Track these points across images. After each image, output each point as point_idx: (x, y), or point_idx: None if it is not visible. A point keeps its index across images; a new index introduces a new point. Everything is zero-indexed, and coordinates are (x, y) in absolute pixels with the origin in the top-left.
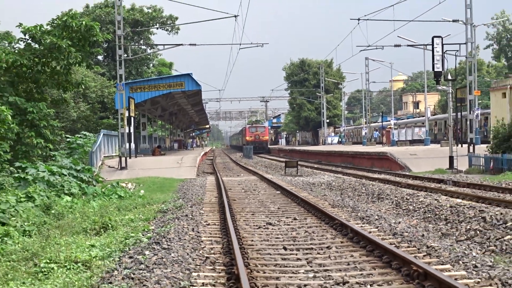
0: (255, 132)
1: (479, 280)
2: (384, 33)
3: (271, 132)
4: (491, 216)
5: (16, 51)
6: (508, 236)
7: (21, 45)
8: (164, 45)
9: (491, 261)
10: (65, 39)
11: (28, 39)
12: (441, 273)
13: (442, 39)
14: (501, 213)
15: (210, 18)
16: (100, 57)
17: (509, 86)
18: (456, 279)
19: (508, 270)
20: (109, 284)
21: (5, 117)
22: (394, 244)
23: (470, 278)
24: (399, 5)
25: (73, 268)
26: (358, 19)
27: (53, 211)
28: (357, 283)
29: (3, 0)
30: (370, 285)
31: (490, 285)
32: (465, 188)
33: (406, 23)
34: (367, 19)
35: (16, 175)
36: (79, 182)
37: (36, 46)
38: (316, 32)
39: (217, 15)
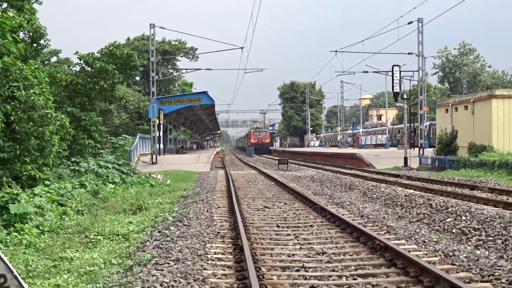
0: (258, 136)
1: (427, 252)
2: (356, 62)
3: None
4: (436, 203)
5: (73, 73)
6: (449, 219)
7: (77, 68)
8: (186, 69)
9: (436, 238)
10: (110, 64)
11: (82, 64)
12: (397, 246)
13: (399, 67)
14: (444, 201)
15: (222, 49)
16: (137, 78)
17: (450, 103)
18: (409, 251)
19: (449, 245)
20: (143, 252)
21: (64, 123)
22: (362, 224)
23: (420, 251)
24: (368, 40)
25: (115, 239)
26: (336, 51)
27: (100, 196)
28: (333, 253)
29: (63, 30)
30: (343, 255)
31: (435, 256)
32: (416, 182)
33: (372, 54)
34: (343, 51)
35: (72, 167)
36: (120, 174)
37: (89, 69)
38: (303, 59)
39: (228, 46)
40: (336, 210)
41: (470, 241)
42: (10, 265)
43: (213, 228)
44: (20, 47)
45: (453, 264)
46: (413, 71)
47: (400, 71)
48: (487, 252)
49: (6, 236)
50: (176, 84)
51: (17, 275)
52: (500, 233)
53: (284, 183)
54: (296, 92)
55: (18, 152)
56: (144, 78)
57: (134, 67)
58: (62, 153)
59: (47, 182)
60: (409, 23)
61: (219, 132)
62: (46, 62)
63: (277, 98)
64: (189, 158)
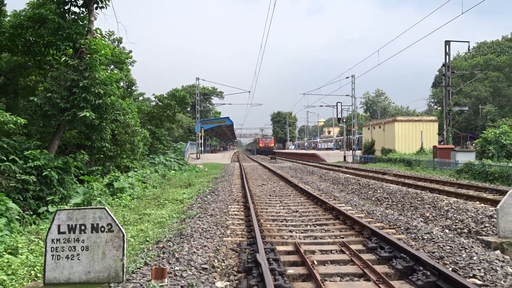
0: (265, 141)
1: (357, 211)
2: (317, 99)
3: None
4: (362, 182)
5: (151, 106)
6: (370, 192)
7: (153, 103)
8: (216, 104)
9: (362, 203)
10: (173, 101)
11: (156, 100)
12: (340, 207)
13: (341, 103)
14: (367, 181)
15: (238, 92)
16: (188, 109)
17: (370, 124)
18: (347, 210)
19: (370, 207)
20: (191, 210)
21: (145, 135)
22: (319, 194)
23: (353, 210)
24: (323, 87)
25: (175, 203)
26: (304, 94)
27: (166, 177)
28: (302, 211)
29: (146, 80)
30: (308, 212)
31: (362, 213)
32: (350, 170)
33: (325, 96)
34: (308, 94)
35: (150, 161)
36: (178, 164)
37: (160, 103)
38: (286, 96)
39: (240, 90)
40: (304, 186)
41: (382, 205)
42: (114, 217)
43: (232, 196)
44: (120, 91)
45: (373, 218)
46: (349, 105)
47: (341, 105)
48: (392, 211)
49: (112, 200)
50: (211, 112)
51: (118, 223)
52: (400, 200)
53: (274, 170)
54: (280, 117)
55: (118, 152)
56: (192, 109)
57: (187, 103)
58: (144, 152)
59: (135, 169)
60: (346, 77)
61: (235, 140)
62: (136, 99)
63: (269, 120)
64: (218, 155)
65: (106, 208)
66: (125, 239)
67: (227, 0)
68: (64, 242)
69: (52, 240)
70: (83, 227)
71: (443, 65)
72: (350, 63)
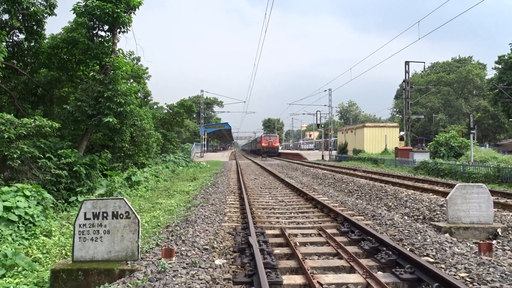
0: (269, 140)
1: (332, 201)
2: (300, 108)
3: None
4: (337, 177)
5: (164, 113)
6: (343, 185)
7: (165, 110)
8: (217, 111)
9: (337, 194)
10: (181, 109)
11: (168, 108)
12: (318, 198)
13: (320, 112)
14: (340, 176)
15: (236, 102)
16: (194, 115)
17: (344, 129)
18: (324, 200)
19: (343, 197)
20: (195, 200)
21: (158, 137)
22: (301, 187)
23: (329, 200)
24: (306, 99)
25: (182, 193)
26: (289, 104)
27: (175, 172)
28: (287, 201)
29: (160, 91)
30: (292, 202)
31: (336, 203)
32: (327, 167)
33: (308, 105)
34: (293, 103)
35: (162, 159)
36: (185, 161)
37: (171, 111)
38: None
39: (237, 100)
40: (289, 180)
41: (353, 196)
42: (131, 206)
43: (229, 188)
44: (138, 101)
45: (345, 207)
46: (327, 113)
47: (320, 114)
48: (361, 201)
49: (130, 191)
50: (213, 118)
51: (134, 211)
52: (368, 192)
53: (264, 166)
54: (270, 123)
55: (136, 151)
56: (197, 115)
57: (193, 111)
58: (157, 151)
59: (150, 166)
60: (325, 90)
61: (233, 141)
62: (151, 108)
63: (261, 125)
64: (219, 154)
65: (125, 198)
66: (140, 224)
67: (227, 24)
68: (89, 227)
69: (79, 225)
70: (105, 214)
71: (404, 81)
72: (328, 78)
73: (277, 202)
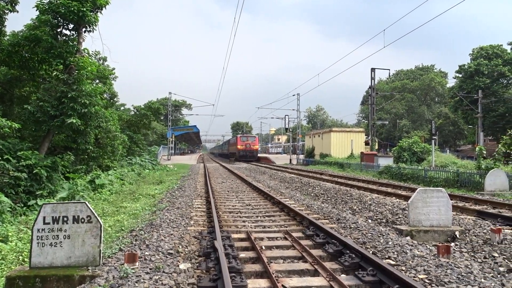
0: (246, 141)
1: (299, 205)
2: (269, 112)
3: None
4: (303, 180)
5: (130, 115)
6: (310, 188)
7: (132, 112)
8: (185, 114)
9: (303, 198)
10: (148, 111)
11: (135, 110)
12: (285, 202)
13: (288, 116)
14: (307, 180)
15: (204, 105)
16: (162, 118)
17: (312, 134)
18: (290, 204)
19: (309, 201)
20: (161, 204)
21: (124, 139)
22: (269, 190)
23: (295, 204)
24: (274, 103)
25: (148, 197)
26: (258, 107)
27: (141, 175)
28: (254, 205)
29: (126, 92)
30: (259, 206)
31: (303, 206)
32: (295, 170)
33: (276, 109)
34: (262, 107)
35: (128, 161)
36: (152, 164)
37: (138, 113)
38: (244, 108)
39: (206, 103)
40: (256, 183)
41: (319, 199)
42: (93, 210)
43: (196, 192)
44: (104, 102)
45: (311, 210)
46: (295, 117)
47: (288, 118)
48: (327, 205)
49: (93, 195)
50: (181, 121)
51: (96, 215)
52: (333, 196)
53: (232, 170)
54: (239, 126)
55: (101, 153)
56: (165, 118)
57: (161, 113)
58: (123, 154)
59: (115, 168)
60: (293, 95)
61: (201, 144)
62: (118, 109)
63: (230, 129)
64: (187, 157)
65: (86, 202)
66: (102, 228)
67: (195, 26)
68: (48, 232)
69: (38, 230)
70: (65, 219)
71: (369, 87)
72: (296, 83)
73: (244, 206)
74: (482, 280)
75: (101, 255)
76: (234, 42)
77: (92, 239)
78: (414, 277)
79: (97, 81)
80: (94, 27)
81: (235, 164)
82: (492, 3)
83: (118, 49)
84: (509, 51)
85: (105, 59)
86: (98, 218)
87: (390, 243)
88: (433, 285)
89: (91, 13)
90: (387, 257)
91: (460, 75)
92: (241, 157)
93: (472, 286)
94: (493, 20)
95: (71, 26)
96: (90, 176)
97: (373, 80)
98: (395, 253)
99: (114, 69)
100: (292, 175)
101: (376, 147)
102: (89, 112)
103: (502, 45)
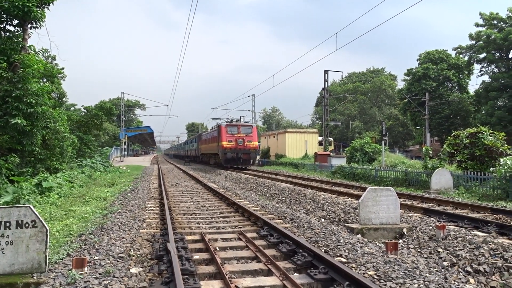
0: (237, 135)
1: (254, 205)
2: (224, 113)
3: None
4: (258, 181)
5: (81, 115)
6: (265, 189)
7: (83, 113)
8: (139, 115)
9: (258, 198)
10: (100, 111)
11: (85, 111)
12: (239, 202)
13: (243, 117)
14: (263, 180)
15: (158, 105)
16: (114, 118)
17: (267, 134)
18: (245, 204)
19: (264, 201)
20: (113, 207)
21: (74, 140)
22: (223, 191)
23: (250, 204)
24: (230, 103)
25: (99, 200)
26: (214, 108)
27: (92, 177)
28: (209, 206)
29: (77, 93)
30: (214, 207)
31: (257, 207)
32: (250, 171)
33: (232, 110)
34: (218, 108)
35: (78, 163)
36: (103, 166)
37: (88, 113)
38: (199, 108)
39: (160, 104)
40: (212, 185)
41: (274, 200)
42: (38, 214)
43: (150, 194)
44: (51, 102)
45: (265, 211)
46: (250, 118)
47: (243, 119)
48: (281, 205)
49: (40, 198)
50: (134, 122)
51: (42, 220)
52: (288, 196)
53: (187, 171)
54: (194, 127)
55: (48, 155)
56: (118, 118)
57: (113, 113)
58: (73, 156)
59: (64, 171)
60: (248, 96)
61: (155, 145)
62: (67, 109)
63: (185, 130)
64: (140, 159)
65: (31, 206)
66: (48, 233)
67: (148, 25)
68: None
69: None
70: (8, 224)
71: (323, 89)
72: (251, 84)
73: (198, 207)
74: (427, 274)
75: (47, 261)
76: (188, 42)
77: (37, 244)
78: (363, 273)
79: (45, 80)
80: (41, 23)
81: (191, 166)
82: (438, 11)
83: (67, 47)
84: (453, 56)
85: (53, 58)
86: (44, 223)
87: (341, 241)
88: (381, 280)
89: (38, 9)
90: (338, 255)
91: (409, 78)
92: (229, 161)
93: (418, 280)
94: (439, 27)
95: (15, 21)
96: (37, 179)
97: (326, 82)
98: (346, 251)
99: (63, 68)
100: (248, 175)
101: (332, 147)
102: (36, 112)
103: (447, 50)
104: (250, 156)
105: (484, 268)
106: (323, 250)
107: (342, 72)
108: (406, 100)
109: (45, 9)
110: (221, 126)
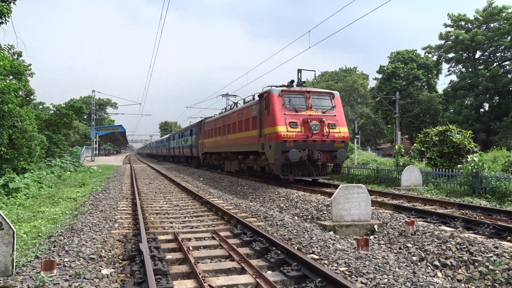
0: (305, 112)
1: (227, 204)
2: (198, 111)
3: None
4: (232, 180)
5: (50, 114)
6: (238, 188)
7: (52, 111)
8: (111, 113)
9: (232, 197)
10: (70, 110)
11: (55, 109)
12: (213, 201)
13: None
14: (236, 179)
15: (131, 104)
16: (85, 117)
17: None
18: (218, 204)
19: (238, 200)
20: (83, 207)
21: (42, 139)
22: (197, 190)
23: (224, 203)
24: (204, 102)
25: (69, 200)
26: (187, 107)
27: (62, 178)
28: (182, 205)
29: (47, 91)
30: (187, 206)
31: (231, 206)
32: (225, 170)
33: (205, 109)
34: (191, 107)
35: (47, 163)
36: (74, 166)
37: (58, 111)
38: (173, 107)
39: (132, 102)
40: (185, 184)
41: (248, 198)
42: (4, 216)
43: (122, 194)
44: (19, 100)
45: (239, 209)
46: None
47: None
48: (255, 203)
49: (7, 200)
50: (106, 120)
51: (8, 222)
52: (262, 194)
53: (160, 170)
54: (167, 126)
55: (16, 155)
56: (89, 117)
57: (83, 112)
58: (41, 155)
59: (32, 171)
60: (221, 95)
61: (128, 145)
62: (36, 108)
63: (158, 129)
64: (112, 158)
65: None
66: (15, 235)
67: (120, 22)
68: None
69: None
70: None
71: None
72: (225, 83)
73: (171, 207)
74: (397, 269)
75: (14, 264)
76: (161, 40)
77: (3, 247)
78: (335, 270)
79: (11, 77)
80: (7, 18)
81: (164, 165)
82: (407, 11)
83: (35, 44)
84: (422, 56)
85: (20, 54)
86: (11, 225)
87: (314, 238)
88: (352, 276)
89: (3, 4)
90: (311, 252)
91: (380, 76)
92: (292, 168)
93: (388, 275)
94: (409, 27)
95: None
96: (3, 179)
97: (299, 81)
98: (319, 247)
99: (30, 65)
100: (221, 174)
101: None
102: (2, 111)
103: (416, 50)
104: (336, 156)
105: (451, 262)
106: (296, 248)
107: (315, 71)
108: (378, 99)
109: (11, 3)
110: (271, 93)
